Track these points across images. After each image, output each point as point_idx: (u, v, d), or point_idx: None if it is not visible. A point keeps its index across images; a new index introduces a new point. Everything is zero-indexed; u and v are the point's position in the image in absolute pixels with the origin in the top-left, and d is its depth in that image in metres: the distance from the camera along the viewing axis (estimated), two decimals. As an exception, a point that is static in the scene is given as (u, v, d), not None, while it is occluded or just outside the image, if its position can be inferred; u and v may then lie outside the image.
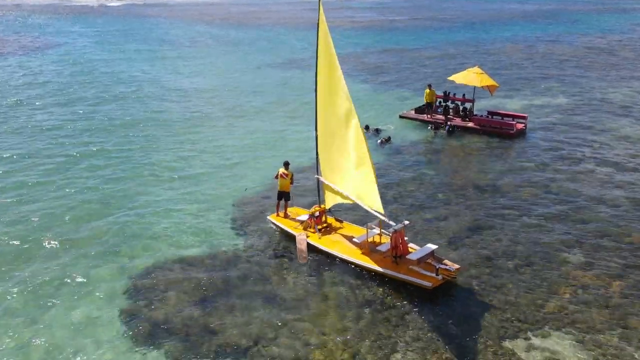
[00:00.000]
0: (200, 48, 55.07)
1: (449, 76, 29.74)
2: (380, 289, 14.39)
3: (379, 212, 14.90)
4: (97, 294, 14.36)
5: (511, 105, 32.39)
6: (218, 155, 24.75)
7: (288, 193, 17.82)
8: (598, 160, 23.33)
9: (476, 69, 28.09)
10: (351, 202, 16.12)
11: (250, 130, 28.27)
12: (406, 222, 15.70)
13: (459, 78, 28.33)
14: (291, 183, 17.75)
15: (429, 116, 29.39)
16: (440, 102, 30.06)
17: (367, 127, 27.70)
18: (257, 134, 27.70)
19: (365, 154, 14.89)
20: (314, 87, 16.21)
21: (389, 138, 26.34)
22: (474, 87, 28.22)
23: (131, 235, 17.36)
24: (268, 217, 18.18)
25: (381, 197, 19.12)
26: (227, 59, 48.34)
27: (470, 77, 27.87)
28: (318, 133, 16.57)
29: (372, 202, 15.00)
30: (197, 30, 68.97)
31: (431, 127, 28.28)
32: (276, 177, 17.76)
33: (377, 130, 27.57)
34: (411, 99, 34.13)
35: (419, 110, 30.21)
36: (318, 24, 15.42)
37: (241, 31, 68.03)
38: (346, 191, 15.84)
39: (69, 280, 14.93)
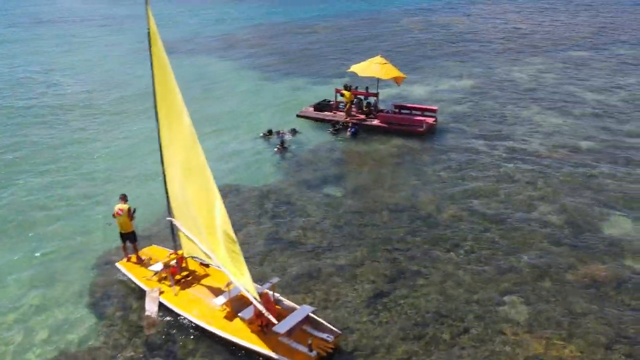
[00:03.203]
0: (72, 28, 47.60)
1: (347, 65, 26.39)
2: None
3: (248, 292, 11.40)
4: None
5: (417, 91, 29.69)
6: (79, 178, 19.85)
7: (132, 232, 14.28)
8: (517, 161, 21.04)
9: (379, 59, 24.84)
10: (213, 264, 12.58)
11: (125, 140, 23.36)
12: (274, 280, 12.60)
13: (361, 70, 24.96)
14: (131, 219, 14.12)
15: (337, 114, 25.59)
16: (336, 97, 26.59)
17: (270, 132, 23.88)
18: (133, 143, 22.86)
19: (216, 205, 11.46)
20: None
21: (283, 143, 22.63)
22: (378, 79, 25.03)
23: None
24: (117, 264, 14.58)
25: (270, 235, 15.66)
26: (105, 43, 41.73)
27: (372, 68, 24.59)
28: (165, 167, 12.93)
29: (238, 273, 11.44)
30: (67, 7, 60.40)
31: (333, 130, 24.68)
32: (114, 215, 14.17)
33: (279, 134, 23.79)
34: (308, 89, 30.49)
35: (318, 107, 26.60)
36: (148, 31, 11.48)
37: (121, 5, 60.19)
38: (205, 247, 12.30)
39: None
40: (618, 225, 16.57)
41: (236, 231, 11.97)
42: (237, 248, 11.30)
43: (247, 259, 11.91)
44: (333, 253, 15.50)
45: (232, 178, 20.26)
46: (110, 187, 19.48)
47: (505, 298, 13.54)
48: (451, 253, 15.39)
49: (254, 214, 17.70)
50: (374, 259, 15.17)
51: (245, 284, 11.39)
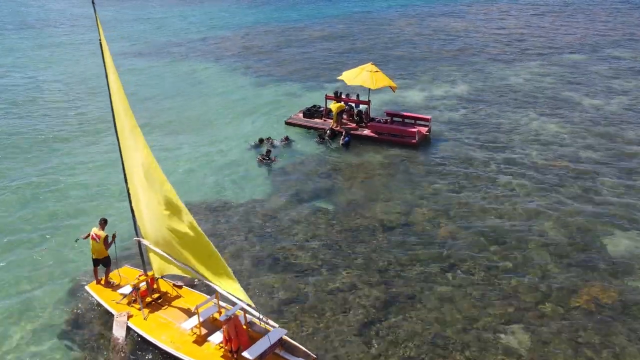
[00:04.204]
0: (62, 32, 46.51)
1: (340, 69, 25.50)
2: None
3: (241, 299, 10.65)
4: None
5: (411, 97, 28.82)
6: (51, 199, 18.85)
7: (107, 258, 13.49)
8: (515, 173, 20.21)
9: (369, 66, 23.93)
10: (195, 277, 11.73)
11: (105, 155, 22.40)
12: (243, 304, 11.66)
13: (350, 78, 24.06)
14: (107, 247, 13.35)
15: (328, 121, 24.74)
16: (327, 104, 25.67)
17: (261, 141, 23.00)
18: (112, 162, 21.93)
19: (188, 218, 10.82)
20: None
21: (268, 152, 21.75)
22: (369, 88, 24.12)
23: None
24: (86, 287, 13.81)
25: (256, 254, 15.06)
26: (93, 50, 40.67)
27: (363, 76, 23.66)
28: (128, 185, 12.17)
29: (224, 282, 10.76)
30: (54, 8, 59.18)
31: (319, 140, 23.62)
32: (85, 237, 13.43)
33: (269, 142, 23.03)
34: (300, 95, 29.57)
35: (308, 113, 25.69)
36: (100, 43, 11.19)
37: (110, 7, 59.06)
38: (184, 263, 11.60)
39: None
40: (623, 242, 15.78)
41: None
42: (214, 253, 10.68)
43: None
44: (322, 274, 14.63)
45: (217, 191, 19.35)
46: (83, 207, 18.52)
47: (506, 325, 12.72)
48: (448, 274, 14.56)
49: (239, 231, 16.80)
50: (366, 282, 14.30)
51: (231, 288, 10.68)
